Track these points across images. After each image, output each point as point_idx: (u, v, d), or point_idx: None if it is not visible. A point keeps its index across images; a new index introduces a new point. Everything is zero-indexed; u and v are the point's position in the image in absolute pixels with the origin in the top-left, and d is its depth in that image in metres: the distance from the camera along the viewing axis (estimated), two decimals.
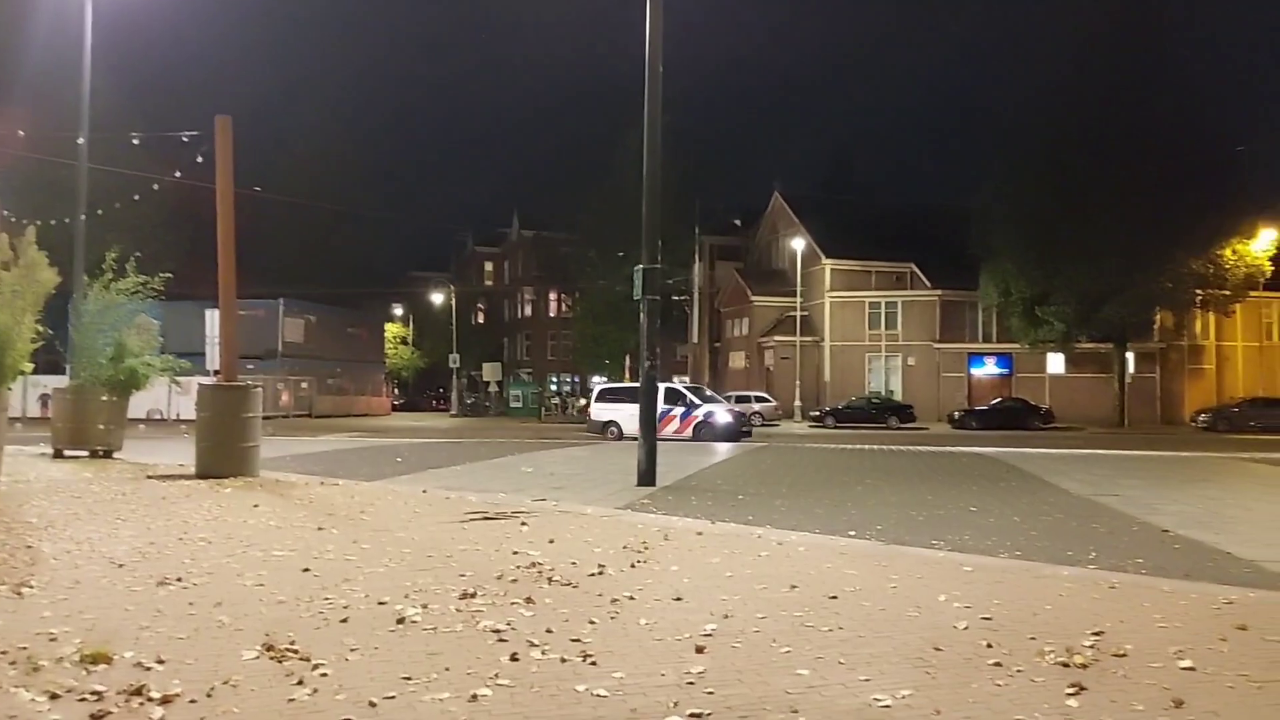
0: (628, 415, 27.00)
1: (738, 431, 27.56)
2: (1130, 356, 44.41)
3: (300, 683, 3.74)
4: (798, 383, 48.18)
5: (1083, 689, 3.78)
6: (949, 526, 9.20)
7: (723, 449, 22.55)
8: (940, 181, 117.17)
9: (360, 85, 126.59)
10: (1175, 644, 4.48)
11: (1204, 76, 43.44)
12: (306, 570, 6.08)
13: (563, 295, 68.50)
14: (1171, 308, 44.61)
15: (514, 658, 4.13)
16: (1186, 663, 4.17)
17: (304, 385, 52.79)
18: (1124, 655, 4.29)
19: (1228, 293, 42.83)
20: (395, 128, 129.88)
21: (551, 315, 72.75)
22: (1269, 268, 42.63)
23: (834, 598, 5.47)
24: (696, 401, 28.02)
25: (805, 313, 51.32)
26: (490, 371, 57.52)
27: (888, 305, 51.52)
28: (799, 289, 50.18)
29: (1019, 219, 40.51)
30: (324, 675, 3.86)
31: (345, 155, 61.01)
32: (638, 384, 32.48)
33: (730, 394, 46.80)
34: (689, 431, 26.88)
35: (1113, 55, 39.81)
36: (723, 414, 27.92)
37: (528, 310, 75.78)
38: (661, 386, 28.06)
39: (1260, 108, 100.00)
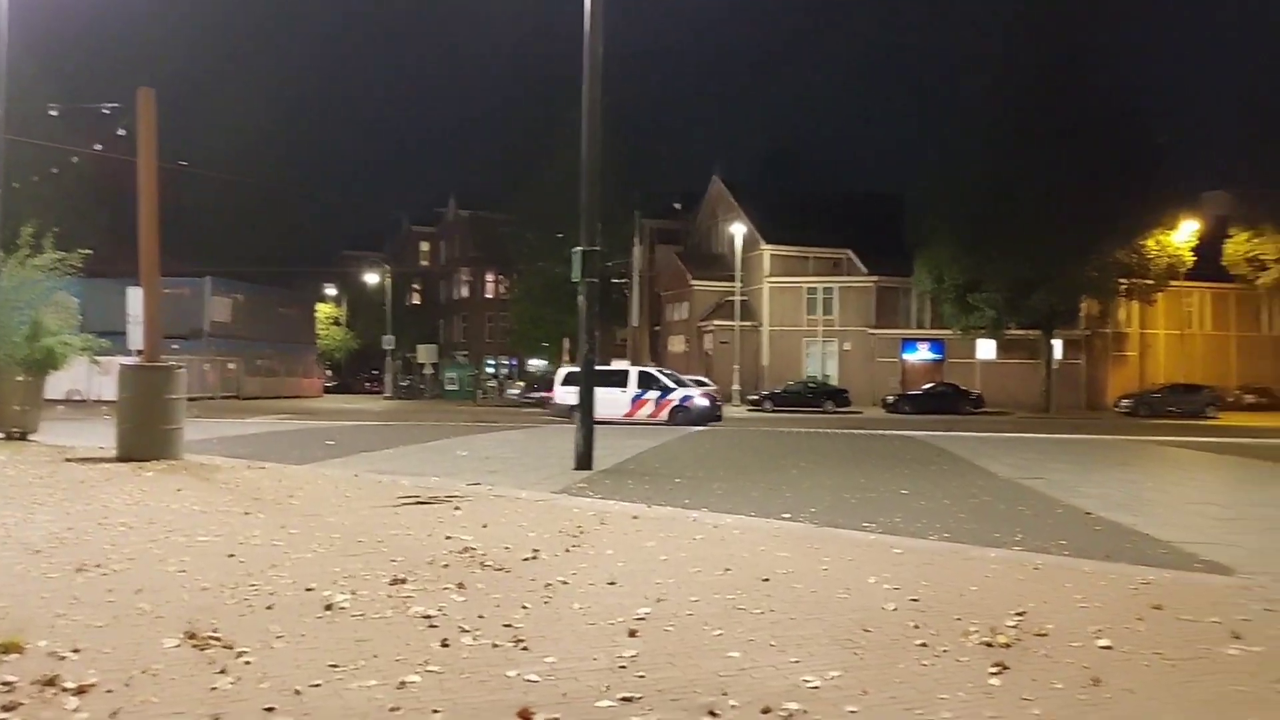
0: (597, 399, 27.07)
1: (714, 415, 27.66)
2: (1057, 343, 45.51)
3: (223, 671, 3.67)
4: (736, 367, 48.52)
5: (1005, 668, 3.88)
6: (881, 509, 9.36)
7: (663, 433, 22.62)
8: (878, 169, 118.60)
9: (294, 61, 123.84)
10: (1095, 624, 4.62)
11: (1131, 73, 44.70)
12: (231, 556, 5.96)
13: (500, 277, 67.87)
14: (1097, 296, 45.80)
15: (444, 644, 4.10)
16: (1105, 642, 4.30)
17: (231, 366, 51.76)
18: (1045, 635, 4.41)
19: (1151, 282, 44.14)
20: (330, 105, 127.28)
21: (489, 297, 72.09)
22: (1190, 258, 43.99)
23: (766, 580, 5.53)
24: (672, 385, 28.04)
25: (744, 297, 51.67)
26: (425, 353, 56.89)
27: (825, 291, 52.11)
28: (738, 274, 50.48)
29: (952, 208, 41.25)
30: (248, 663, 3.79)
31: (277, 132, 59.65)
32: (608, 366, 32.52)
33: None
34: (664, 415, 26.83)
35: (1043, 49, 40.73)
36: (700, 398, 27.96)
37: (464, 291, 74.99)
38: (634, 371, 28.23)
39: (1184, 104, 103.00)
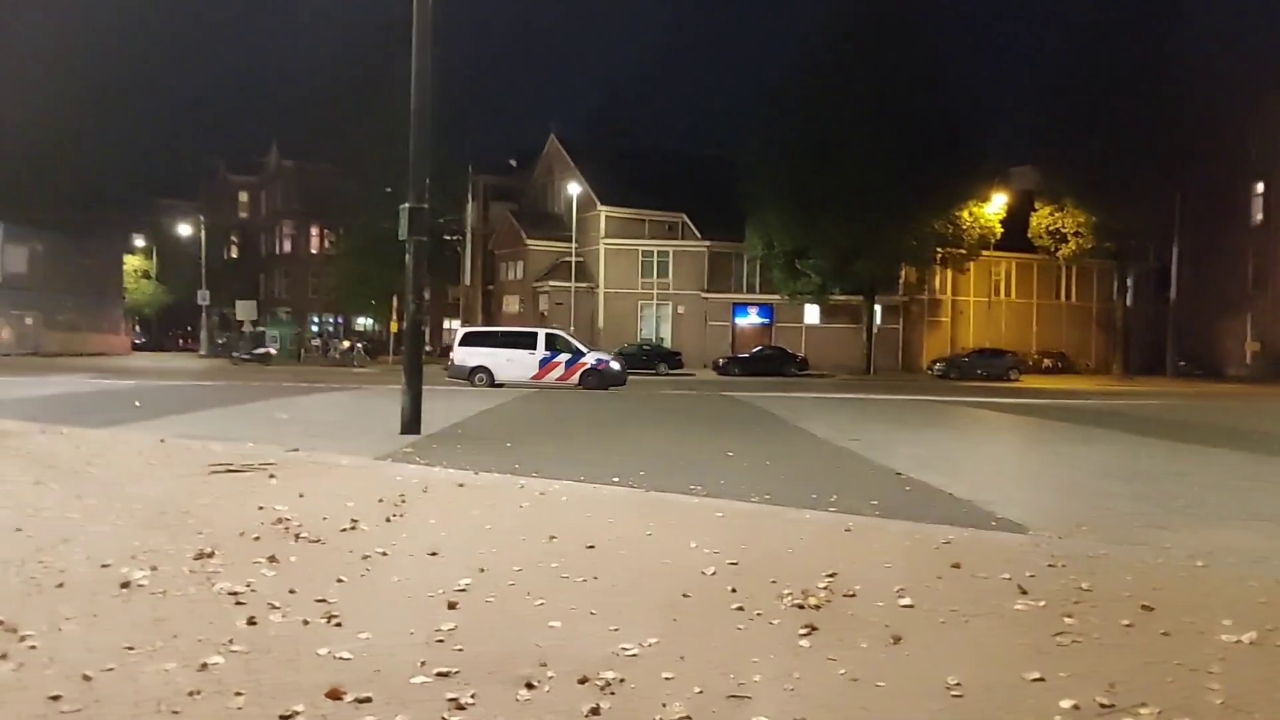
0: (501, 361, 26.49)
1: (623, 379, 27.54)
2: (878, 309, 47.81)
3: (4, 656, 3.44)
4: (572, 328, 48.55)
5: (815, 629, 4.05)
6: (707, 471, 9.58)
7: (497, 395, 22.43)
8: (712, 133, 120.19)
9: None
10: (899, 583, 4.88)
11: (946, 49, 46.89)
12: (19, 530, 5.57)
13: (326, 231, 65.37)
14: (915, 264, 48.41)
15: (251, 621, 3.95)
16: (907, 600, 4.56)
17: (28, 321, 48.35)
18: (853, 595, 4.64)
19: (964, 251, 46.98)
20: (139, 40, 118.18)
21: (313, 252, 69.34)
22: (999, 230, 47.05)
23: (591, 548, 5.58)
24: (583, 349, 27.72)
25: (580, 258, 51.69)
26: (244, 310, 54.14)
27: (660, 255, 52.76)
28: (574, 234, 50.42)
29: (781, 175, 42.50)
30: (32, 648, 3.56)
31: (80, 69, 54.93)
32: (514, 328, 31.44)
33: None
34: (575, 378, 26.40)
35: (865, 22, 42.41)
36: (614, 362, 27.75)
37: (287, 246, 71.83)
38: (541, 333, 27.82)
39: (996, 82, 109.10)
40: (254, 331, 51.12)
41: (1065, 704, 3.27)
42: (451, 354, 28.37)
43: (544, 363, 26.54)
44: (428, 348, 57.66)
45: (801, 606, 4.41)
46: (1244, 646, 3.99)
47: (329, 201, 54.30)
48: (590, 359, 27.08)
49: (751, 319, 52.98)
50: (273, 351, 47.32)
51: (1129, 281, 49.59)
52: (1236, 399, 29.29)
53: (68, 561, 4.88)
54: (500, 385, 25.99)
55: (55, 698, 3.10)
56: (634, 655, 3.68)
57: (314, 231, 68.85)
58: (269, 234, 73.30)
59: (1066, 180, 45.47)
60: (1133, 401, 26.37)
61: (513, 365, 26.46)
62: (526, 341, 27.23)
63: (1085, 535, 6.66)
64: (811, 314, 51.68)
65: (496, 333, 29.99)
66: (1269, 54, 47.10)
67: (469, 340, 27.56)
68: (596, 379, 26.52)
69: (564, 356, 26.76)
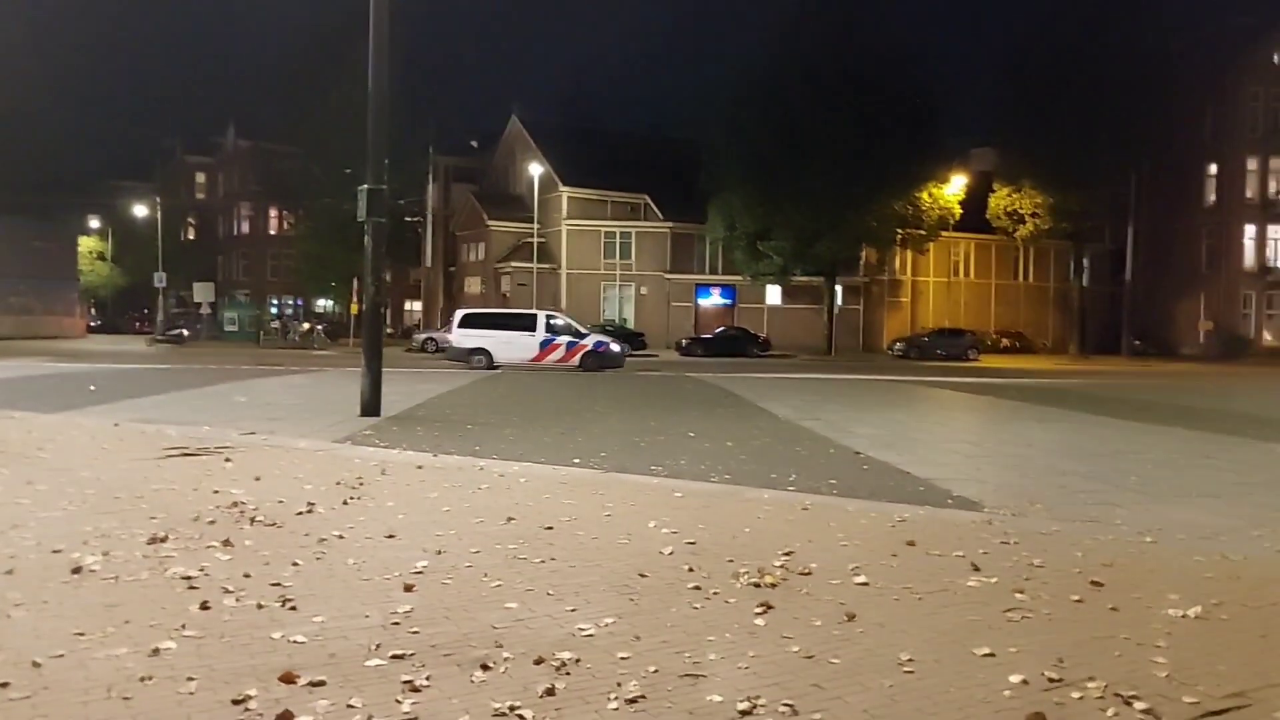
0: (500, 342, 26.43)
1: (623, 360, 27.54)
2: (839, 290, 48.04)
3: None
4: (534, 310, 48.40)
5: (770, 608, 4.08)
6: (667, 452, 9.61)
7: (461, 376, 22.29)
8: (676, 116, 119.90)
9: None
10: (854, 561, 4.94)
11: (908, 32, 47.02)
12: None
13: (284, 212, 64.44)
14: (876, 245, 48.64)
15: (204, 606, 3.90)
16: (862, 579, 4.61)
17: None
18: (809, 574, 4.68)
19: (924, 232, 47.28)
20: (94, 22, 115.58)
21: (272, 233, 68.36)
22: (959, 211, 47.40)
23: (550, 529, 5.58)
24: (584, 331, 27.74)
25: (542, 239, 51.42)
26: (201, 292, 53.26)
27: (622, 235, 52.63)
28: (536, 215, 50.14)
29: (744, 157, 42.54)
30: None
31: (34, 50, 53.55)
32: (514, 310, 30.84)
33: None
34: (576, 360, 26.42)
35: (829, 4, 42.48)
36: (613, 344, 27.74)
37: (245, 227, 70.77)
38: (541, 314, 27.86)
39: (956, 64, 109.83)
40: (173, 312, 50.51)
41: (1014, 679, 3.33)
42: (449, 335, 28.38)
43: (544, 345, 26.58)
44: (388, 330, 57.35)
45: (758, 585, 4.44)
46: (1189, 620, 4.08)
47: (288, 183, 53.42)
48: (590, 341, 27.14)
49: (714, 300, 53.08)
50: (185, 333, 47.16)
51: (1085, 262, 50.19)
52: (1190, 378, 29.85)
53: (17, 548, 4.80)
54: (498, 368, 25.97)
55: (3, 685, 3.06)
56: (590, 635, 3.69)
57: (272, 213, 67.85)
58: (227, 215, 72.19)
59: (1025, 162, 45.85)
60: (1088, 380, 26.80)
61: (512, 347, 26.50)
62: (526, 324, 27.33)
63: (1038, 513, 6.76)
64: (774, 295, 51.84)
65: (496, 314, 29.98)
66: (1226, 37, 47.86)
67: (468, 322, 27.41)
68: (597, 361, 26.57)
69: (565, 339, 26.83)
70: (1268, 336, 49.98)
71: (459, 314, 28.50)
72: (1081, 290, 50.14)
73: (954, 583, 4.60)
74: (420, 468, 7.86)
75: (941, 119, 45.55)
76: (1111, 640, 3.78)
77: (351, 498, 6.39)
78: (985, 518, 6.36)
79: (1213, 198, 51.09)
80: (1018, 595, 4.37)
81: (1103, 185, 44.64)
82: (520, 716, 2.94)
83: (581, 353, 26.58)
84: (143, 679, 3.15)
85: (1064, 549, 5.37)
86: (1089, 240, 50.01)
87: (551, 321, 27.44)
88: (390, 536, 5.30)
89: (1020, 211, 48.41)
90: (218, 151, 73.35)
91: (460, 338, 26.98)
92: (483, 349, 26.45)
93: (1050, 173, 44.62)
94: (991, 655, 3.56)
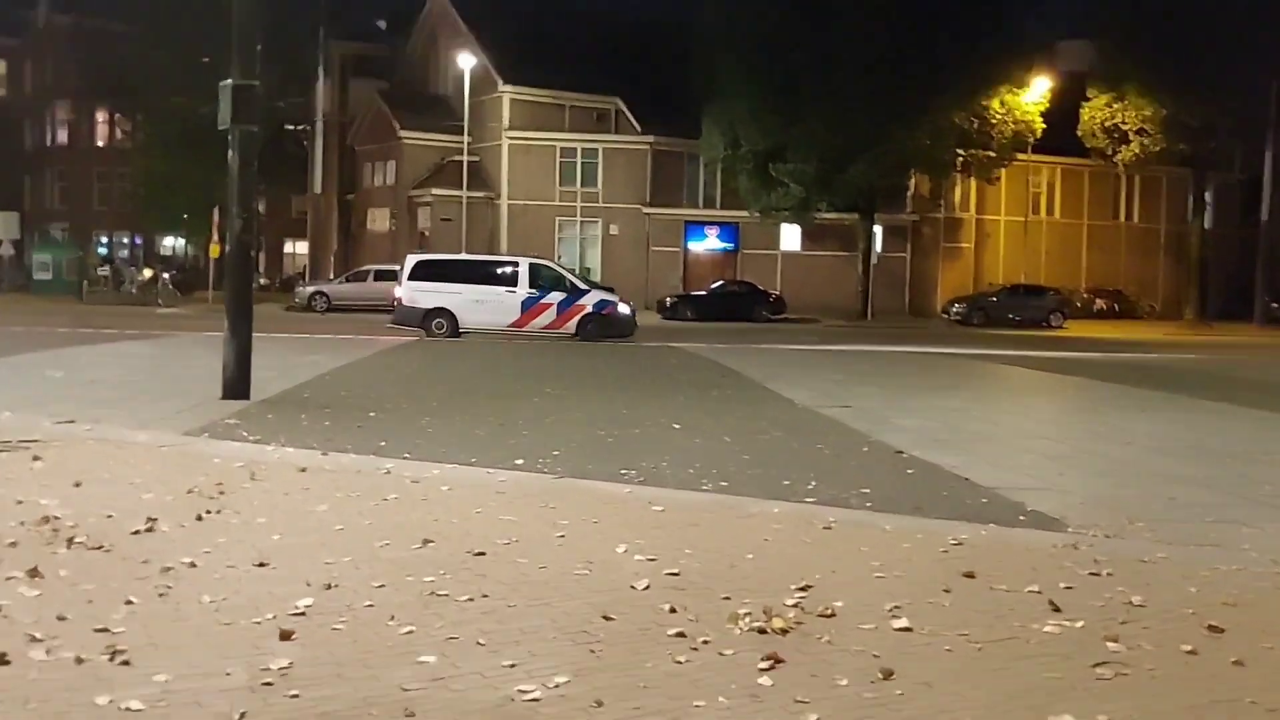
0: (466, 301, 25.90)
1: (633, 326, 27.31)
2: (878, 231, 48.13)
3: None
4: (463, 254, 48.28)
5: (780, 662, 4.10)
6: (644, 450, 9.64)
7: (363, 346, 22.20)
8: None
9: None
10: (893, 599, 4.97)
11: None
12: None
13: (118, 117, 63.80)
14: (929, 171, 48.49)
15: (3, 660, 3.87)
16: (902, 622, 4.64)
17: None
18: (832, 615, 4.70)
19: (993, 154, 47.25)
20: None
21: (100, 145, 67.75)
22: (1040, 126, 47.33)
23: (481, 554, 5.59)
24: (583, 286, 27.46)
25: (475, 157, 51.11)
26: (2, 226, 52.77)
27: (585, 153, 52.39)
28: (467, 125, 49.75)
29: (750, 47, 42.25)
30: None
31: None
32: (487, 256, 29.84)
33: (370, 268, 46.10)
34: (570, 326, 26.15)
35: None
36: (622, 305, 27.37)
37: (63, 136, 70.06)
38: (524, 262, 26.93)
39: None
40: None
41: None
42: (396, 292, 27.54)
43: (528, 304, 26.05)
44: (261, 280, 57.08)
45: (763, 631, 4.46)
46: None
47: (123, 76, 52.86)
48: (590, 300, 26.72)
49: (709, 243, 53.12)
50: None
51: (1208, 197, 50.50)
52: None
53: None
54: (463, 334, 25.66)
55: None
56: (535, 699, 3.69)
57: (101, 118, 67.22)
58: (36, 120, 71.35)
59: (1131, 60, 45.85)
60: (1210, 356, 27.08)
61: (484, 308, 26.07)
62: (504, 275, 26.85)
63: (1140, 534, 6.85)
64: (790, 238, 51.91)
65: (461, 262, 29.62)
66: None
67: (422, 271, 26.62)
68: (598, 328, 26.12)
69: (556, 296, 26.38)
70: None
71: (410, 260, 27.54)
72: (1203, 234, 50.36)
73: (1026, 628, 4.64)
74: (304, 471, 7.86)
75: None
76: (1236, 705, 3.83)
77: (208, 511, 6.39)
78: (1069, 540, 6.42)
79: None
80: (1110, 645, 4.42)
81: (1233, 95, 44.72)
82: None
83: (579, 316, 26.24)
84: None
85: (1173, 582, 5.43)
86: (1214, 168, 50.30)
87: (539, 272, 26.94)
88: (261, 565, 5.29)
89: (1123, 127, 48.54)
90: (25, 32, 72.35)
91: (413, 294, 26.25)
92: (444, 309, 25.98)
93: (1164, 76, 44.58)
94: None
